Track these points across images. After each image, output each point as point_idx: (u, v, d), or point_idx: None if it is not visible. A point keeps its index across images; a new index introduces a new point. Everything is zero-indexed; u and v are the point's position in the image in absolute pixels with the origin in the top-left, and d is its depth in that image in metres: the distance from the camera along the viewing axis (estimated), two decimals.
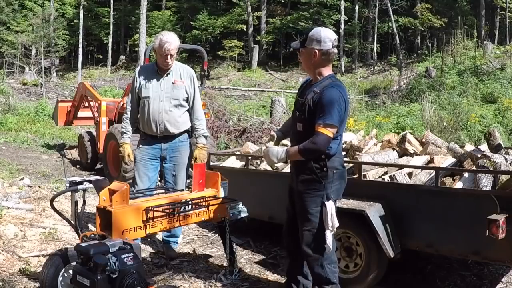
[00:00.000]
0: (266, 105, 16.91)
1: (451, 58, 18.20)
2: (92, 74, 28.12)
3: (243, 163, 4.68)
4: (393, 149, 4.32)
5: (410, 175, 3.72)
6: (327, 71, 3.00)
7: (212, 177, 3.62)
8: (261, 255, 4.40)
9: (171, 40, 3.79)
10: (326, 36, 2.92)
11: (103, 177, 3.42)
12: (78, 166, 8.79)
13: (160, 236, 4.35)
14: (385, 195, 3.53)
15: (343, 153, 4.26)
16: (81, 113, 9.73)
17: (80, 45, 26.95)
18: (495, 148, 4.16)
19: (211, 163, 4.87)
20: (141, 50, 20.60)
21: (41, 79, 21.44)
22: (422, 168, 3.76)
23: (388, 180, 3.68)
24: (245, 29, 28.61)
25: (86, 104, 9.10)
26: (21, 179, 6.07)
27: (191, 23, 28.67)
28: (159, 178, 4.29)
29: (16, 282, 3.25)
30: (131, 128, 4.08)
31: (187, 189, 3.90)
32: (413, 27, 28.29)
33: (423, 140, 4.36)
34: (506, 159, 3.58)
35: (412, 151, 4.20)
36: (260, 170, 4.50)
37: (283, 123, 3.72)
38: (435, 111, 10.87)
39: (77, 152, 9.25)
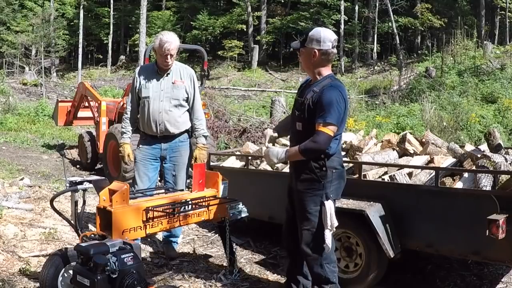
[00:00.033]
0: (266, 105, 16.91)
1: (451, 58, 18.21)
2: (92, 74, 28.12)
3: (243, 163, 4.68)
4: (393, 149, 4.32)
5: (410, 175, 3.72)
6: (326, 71, 3.01)
7: (212, 177, 3.62)
8: (261, 255, 4.40)
9: (171, 40, 3.79)
10: (326, 36, 2.93)
11: (103, 177, 3.42)
12: (78, 166, 8.79)
13: (160, 236, 4.35)
14: (385, 195, 3.53)
15: (343, 153, 4.27)
16: (81, 113, 9.73)
17: (80, 45, 26.95)
18: (495, 148, 4.16)
19: (211, 163, 4.87)
20: (141, 50, 20.60)
21: (41, 79, 21.44)
22: (422, 168, 3.76)
23: (388, 180, 3.68)
24: (245, 29, 28.61)
25: (86, 104, 9.10)
26: (21, 179, 6.07)
27: (191, 23, 28.68)
28: (159, 178, 4.29)
29: (16, 282, 3.25)
30: (131, 128, 4.08)
31: (187, 189, 3.90)
32: (413, 27, 28.29)
33: (423, 140, 4.36)
34: (506, 159, 3.58)
35: (412, 151, 4.20)
36: (260, 170, 4.50)
37: (277, 123, 3.72)
38: (435, 111, 10.88)
39: (77, 152, 9.25)
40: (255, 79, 24.42)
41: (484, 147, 4.35)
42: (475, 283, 3.90)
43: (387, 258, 3.37)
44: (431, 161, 3.98)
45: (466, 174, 3.53)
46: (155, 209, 3.08)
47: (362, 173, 3.68)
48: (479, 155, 3.68)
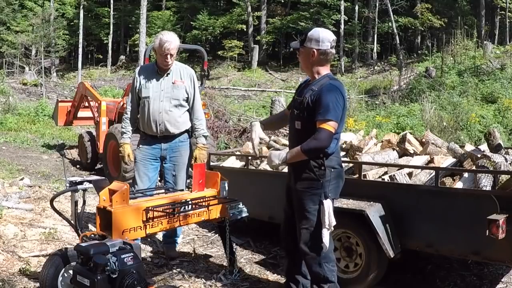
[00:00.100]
0: (266, 105, 16.92)
1: (451, 58, 18.21)
2: (92, 74, 28.12)
3: (243, 163, 4.68)
4: (393, 149, 4.32)
5: (410, 175, 3.72)
6: (325, 70, 3.04)
7: (212, 177, 3.62)
8: (261, 255, 4.40)
9: (171, 40, 3.79)
10: (325, 36, 2.96)
11: (103, 177, 3.42)
12: (78, 166, 8.79)
13: (160, 236, 4.35)
14: (385, 195, 3.53)
15: (343, 153, 4.27)
16: (81, 113, 9.73)
17: (80, 45, 26.95)
18: (495, 148, 4.16)
19: (211, 163, 4.87)
20: (141, 50, 20.60)
21: (41, 79, 21.44)
22: (422, 168, 3.76)
23: (388, 180, 3.68)
24: (245, 29, 28.61)
25: (86, 104, 9.10)
26: (21, 179, 6.07)
27: (191, 23, 28.67)
28: (159, 178, 4.29)
29: (16, 282, 3.26)
30: (131, 128, 4.08)
31: (187, 189, 3.90)
32: (413, 27, 28.29)
33: (423, 140, 4.36)
34: (506, 159, 3.58)
35: (412, 151, 4.20)
36: (260, 170, 4.51)
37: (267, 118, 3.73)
38: (435, 111, 10.88)
39: (77, 152, 9.25)
40: (255, 79, 24.42)
41: (484, 147, 4.35)
42: (475, 283, 3.90)
43: (387, 258, 3.37)
44: (431, 161, 3.98)
45: (466, 174, 3.53)
46: (155, 209, 3.08)
47: (362, 173, 3.68)
48: (479, 155, 3.68)
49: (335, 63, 24.86)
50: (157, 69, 3.95)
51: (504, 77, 14.86)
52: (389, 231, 3.39)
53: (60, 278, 2.87)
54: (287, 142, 4.38)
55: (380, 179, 3.80)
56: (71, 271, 2.81)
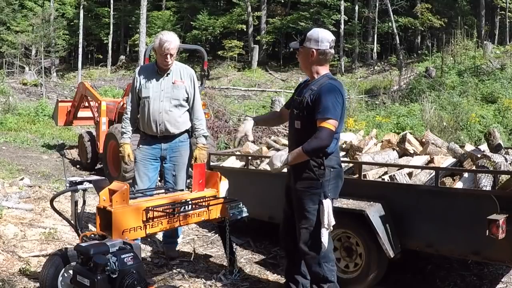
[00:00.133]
0: (266, 105, 16.92)
1: (451, 58, 18.21)
2: (92, 74, 28.11)
3: (243, 163, 4.68)
4: (393, 149, 4.32)
5: (410, 175, 3.72)
6: (324, 70, 3.05)
7: (212, 177, 3.62)
8: (261, 255, 4.40)
9: (171, 40, 3.79)
10: (324, 36, 2.98)
11: (103, 177, 3.42)
12: (78, 166, 8.79)
13: (160, 236, 4.35)
14: (385, 195, 3.53)
15: (343, 153, 4.27)
16: (81, 113, 9.73)
17: (80, 45, 26.95)
18: (495, 148, 4.16)
19: (211, 163, 4.87)
20: (141, 50, 20.59)
21: (41, 79, 21.43)
22: (422, 168, 3.76)
23: (388, 180, 3.68)
24: (245, 29, 28.60)
25: (86, 104, 9.10)
26: (21, 179, 6.07)
27: (191, 23, 28.67)
28: (159, 178, 4.29)
29: (16, 282, 3.26)
30: (131, 128, 4.08)
31: (187, 189, 3.90)
32: (413, 27, 28.28)
33: (423, 140, 4.36)
34: (506, 159, 3.58)
35: (412, 151, 4.20)
36: (260, 170, 4.50)
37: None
38: (435, 111, 10.88)
39: (77, 152, 9.25)
40: (255, 79, 24.42)
41: (484, 147, 4.35)
42: (475, 283, 3.90)
43: (387, 258, 3.37)
44: (431, 161, 3.98)
45: (466, 174, 3.53)
46: (155, 209, 3.08)
47: (362, 173, 3.68)
48: (479, 155, 3.68)
49: (335, 63, 24.85)
50: (157, 69, 3.95)
51: (504, 77, 14.86)
52: (389, 231, 3.39)
53: (60, 278, 2.88)
54: (287, 142, 4.38)
55: (380, 179, 3.80)
56: (71, 271, 2.81)
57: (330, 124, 2.84)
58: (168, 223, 3.18)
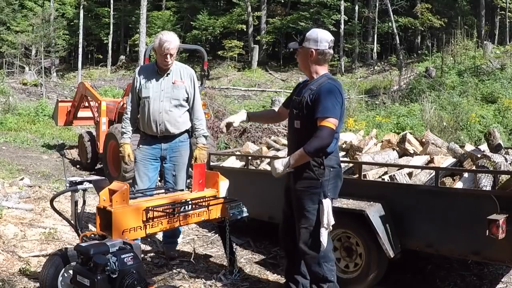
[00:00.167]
0: (266, 105, 16.93)
1: (451, 58, 18.21)
2: (92, 74, 28.11)
3: (243, 163, 4.68)
4: (393, 149, 4.32)
5: (410, 175, 3.72)
6: (323, 70, 3.07)
7: (212, 177, 3.62)
8: (261, 255, 4.40)
9: (170, 40, 3.79)
10: (323, 36, 3.00)
11: (103, 177, 3.42)
12: (78, 166, 8.79)
13: (160, 236, 4.35)
14: (385, 195, 3.53)
15: (343, 153, 4.27)
16: (81, 113, 9.74)
17: (80, 45, 26.95)
18: (495, 148, 4.16)
19: (211, 163, 4.87)
20: (141, 50, 20.60)
21: (41, 79, 21.44)
22: (422, 168, 3.76)
23: (388, 180, 3.68)
24: (245, 29, 28.60)
25: (86, 104, 9.11)
26: (21, 179, 6.07)
27: (191, 23, 28.67)
28: (159, 178, 4.29)
29: (16, 282, 3.26)
30: (131, 128, 4.08)
31: (187, 189, 3.90)
32: (413, 27, 28.29)
33: (423, 140, 4.36)
34: (506, 159, 3.58)
35: (412, 151, 4.20)
36: (260, 170, 4.51)
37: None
38: (435, 111, 10.88)
39: (77, 152, 9.25)
40: (255, 79, 24.42)
41: (484, 147, 4.35)
42: (475, 283, 3.90)
43: (387, 258, 3.37)
44: (431, 161, 3.98)
45: (466, 174, 3.53)
46: (155, 209, 3.08)
47: (362, 173, 3.68)
48: (479, 155, 3.68)
49: (335, 63, 24.87)
50: (157, 69, 3.95)
51: (504, 77, 14.86)
52: (389, 231, 3.39)
53: (60, 278, 2.87)
54: (286, 142, 4.38)
55: (380, 179, 3.80)
56: (71, 271, 2.81)
57: (331, 122, 2.85)
58: (168, 223, 3.18)
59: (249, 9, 27.74)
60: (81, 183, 3.14)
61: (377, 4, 26.57)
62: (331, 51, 3.05)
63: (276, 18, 28.62)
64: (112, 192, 2.93)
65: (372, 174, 3.81)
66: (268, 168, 4.46)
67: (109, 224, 2.88)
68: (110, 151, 7.24)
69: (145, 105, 3.95)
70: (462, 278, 3.95)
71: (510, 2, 25.98)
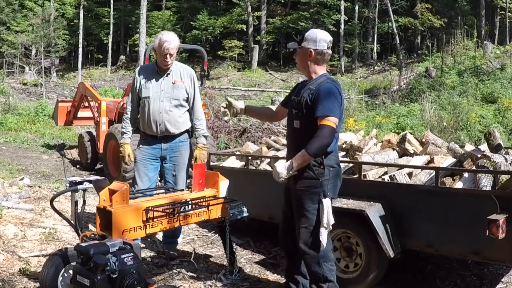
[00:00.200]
0: (266, 105, 16.91)
1: (451, 58, 18.22)
2: (92, 74, 28.12)
3: (243, 163, 4.68)
4: (393, 149, 4.32)
5: (410, 175, 3.72)
6: (321, 70, 3.09)
7: (212, 177, 3.62)
8: (261, 255, 4.40)
9: (170, 40, 3.80)
10: (322, 37, 3.03)
11: (103, 177, 3.42)
12: (78, 166, 8.79)
13: (160, 236, 4.35)
14: (385, 195, 3.53)
15: (343, 153, 4.28)
16: (81, 113, 9.74)
17: (80, 45, 26.95)
18: (495, 148, 4.16)
19: (211, 163, 4.87)
20: (141, 50, 20.60)
21: (41, 79, 21.44)
22: (422, 168, 3.76)
23: (388, 180, 3.68)
24: (245, 29, 28.60)
25: (86, 104, 9.11)
26: (21, 179, 6.07)
27: (191, 23, 28.67)
28: (159, 178, 4.29)
29: (16, 282, 3.25)
30: (131, 128, 4.08)
31: (187, 189, 3.90)
32: (413, 27, 28.29)
33: (423, 140, 4.36)
34: (506, 159, 3.58)
35: (412, 151, 4.20)
36: (260, 170, 4.51)
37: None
38: (435, 111, 10.88)
39: (77, 152, 9.25)
40: (255, 79, 24.42)
41: (484, 147, 4.35)
42: (475, 283, 3.90)
43: (387, 258, 3.37)
44: (431, 161, 3.98)
45: (466, 174, 3.53)
46: (155, 209, 3.08)
47: (362, 173, 3.68)
48: (479, 155, 3.68)
49: (335, 63, 24.87)
50: (157, 69, 3.95)
51: (504, 77, 14.86)
52: (389, 231, 3.39)
53: (60, 278, 2.87)
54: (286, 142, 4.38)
55: (380, 179, 3.80)
56: (71, 271, 2.81)
57: (331, 121, 2.86)
58: (168, 223, 3.18)
59: (249, 9, 27.75)
60: (81, 183, 3.13)
61: (377, 4, 26.57)
62: (330, 51, 3.07)
63: (276, 18, 28.63)
64: (112, 192, 2.93)
65: (372, 174, 3.81)
66: (268, 168, 4.46)
67: (109, 224, 2.88)
68: (110, 151, 7.24)
69: (145, 105, 3.95)
70: (462, 278, 3.95)
71: (510, 2, 25.98)
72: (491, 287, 3.84)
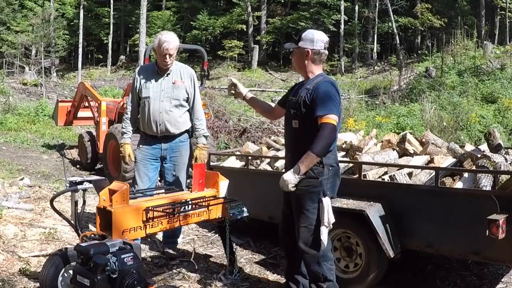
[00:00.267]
0: None
1: (451, 58, 18.22)
2: (92, 74, 28.12)
3: (243, 163, 4.68)
4: (393, 149, 4.32)
5: (410, 175, 3.72)
6: (318, 70, 3.12)
7: (212, 177, 3.62)
8: (261, 255, 4.40)
9: (170, 40, 3.80)
10: (319, 37, 3.06)
11: (103, 177, 3.42)
12: (78, 166, 8.79)
13: (160, 236, 4.35)
14: (385, 195, 3.53)
15: (343, 153, 4.27)
16: (81, 113, 9.74)
17: (80, 45, 26.95)
18: (495, 148, 4.16)
19: (211, 163, 4.87)
20: (141, 50, 20.60)
21: (41, 79, 21.44)
22: (422, 168, 3.76)
23: (388, 180, 3.68)
24: (245, 29, 28.61)
25: (86, 104, 9.11)
26: (21, 179, 6.07)
27: (191, 23, 28.68)
28: (159, 178, 4.29)
29: (16, 282, 3.25)
30: (132, 128, 4.08)
31: (187, 189, 3.90)
32: (413, 27, 28.29)
33: (423, 140, 4.36)
34: (506, 159, 3.58)
35: (412, 151, 4.20)
36: (260, 170, 4.50)
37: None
38: (435, 111, 10.88)
39: (77, 152, 9.25)
40: (255, 79, 24.42)
41: (484, 147, 4.35)
42: (475, 283, 3.90)
43: (387, 258, 3.37)
44: (431, 161, 3.98)
45: (466, 174, 3.53)
46: (155, 209, 3.08)
47: (362, 173, 3.68)
48: (479, 155, 3.68)
49: (335, 63, 24.89)
50: (157, 69, 3.95)
51: (504, 77, 14.86)
52: (389, 231, 3.39)
53: (60, 278, 2.87)
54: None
55: (380, 179, 3.80)
56: (71, 271, 2.81)
57: (332, 119, 2.87)
58: (168, 223, 3.18)
59: (249, 9, 27.75)
60: (81, 183, 3.13)
61: (377, 4, 26.58)
62: (326, 52, 3.11)
63: (276, 18, 28.64)
64: (112, 192, 2.93)
65: (372, 174, 3.81)
66: (268, 168, 4.46)
67: (109, 224, 2.88)
68: (110, 151, 7.24)
69: (145, 105, 3.95)
70: (462, 278, 3.95)
71: (510, 2, 25.97)
72: (491, 287, 3.84)
